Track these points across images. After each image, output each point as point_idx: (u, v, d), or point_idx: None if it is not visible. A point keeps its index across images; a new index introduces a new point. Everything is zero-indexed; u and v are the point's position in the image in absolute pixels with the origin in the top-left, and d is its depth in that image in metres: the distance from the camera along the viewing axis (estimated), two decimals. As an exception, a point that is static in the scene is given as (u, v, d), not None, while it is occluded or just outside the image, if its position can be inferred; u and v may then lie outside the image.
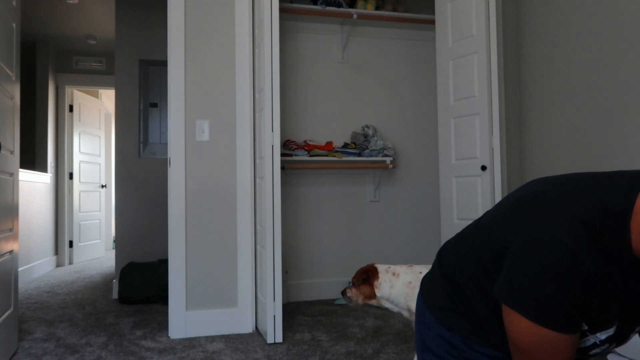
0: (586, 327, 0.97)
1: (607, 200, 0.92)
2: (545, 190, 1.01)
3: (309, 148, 3.72)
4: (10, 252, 2.57)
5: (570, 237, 0.90)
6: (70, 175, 6.08)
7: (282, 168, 3.55)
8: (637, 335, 1.13)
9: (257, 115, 3.01)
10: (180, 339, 2.81)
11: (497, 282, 0.99)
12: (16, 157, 2.72)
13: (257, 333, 2.91)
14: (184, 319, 2.86)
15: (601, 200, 0.93)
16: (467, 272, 1.11)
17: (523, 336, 0.95)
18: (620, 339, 1.01)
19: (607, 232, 0.90)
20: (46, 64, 5.74)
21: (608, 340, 1.00)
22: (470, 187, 3.06)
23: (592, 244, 0.89)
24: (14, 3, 2.69)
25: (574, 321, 0.93)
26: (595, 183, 0.98)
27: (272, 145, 2.74)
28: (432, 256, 3.71)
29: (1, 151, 2.40)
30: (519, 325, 0.94)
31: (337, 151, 3.78)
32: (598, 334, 0.99)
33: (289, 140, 3.75)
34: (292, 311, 3.40)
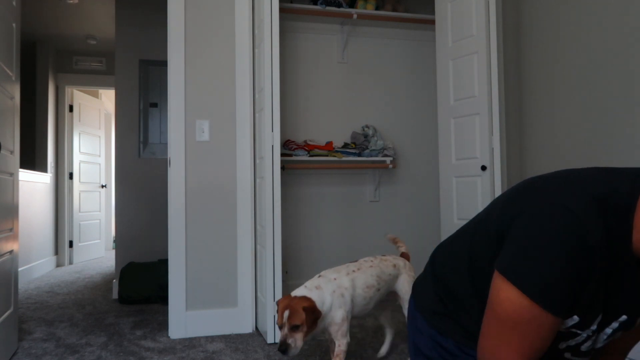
0: (577, 319, 0.94)
1: (616, 186, 0.91)
2: (551, 176, 0.99)
3: (309, 148, 3.72)
4: (10, 252, 2.57)
5: (580, 209, 0.87)
6: (70, 175, 6.08)
7: (282, 168, 3.55)
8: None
9: (257, 115, 3.01)
10: (180, 339, 2.81)
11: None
12: (16, 157, 2.72)
13: (257, 333, 2.91)
14: (184, 319, 2.86)
15: (611, 184, 0.92)
16: (460, 273, 1.09)
17: (506, 304, 0.89)
18: (600, 330, 0.99)
19: (612, 216, 0.88)
20: (46, 64, 5.74)
21: (595, 330, 0.98)
22: (470, 187, 3.06)
23: (599, 221, 0.87)
24: (14, 3, 2.69)
25: (563, 302, 0.88)
26: (602, 172, 0.97)
27: (272, 145, 2.74)
28: (432, 256, 3.70)
29: (1, 151, 2.40)
30: (506, 294, 0.89)
31: (337, 151, 3.77)
32: (592, 327, 0.97)
33: (289, 140, 3.75)
34: (292, 311, 3.40)
